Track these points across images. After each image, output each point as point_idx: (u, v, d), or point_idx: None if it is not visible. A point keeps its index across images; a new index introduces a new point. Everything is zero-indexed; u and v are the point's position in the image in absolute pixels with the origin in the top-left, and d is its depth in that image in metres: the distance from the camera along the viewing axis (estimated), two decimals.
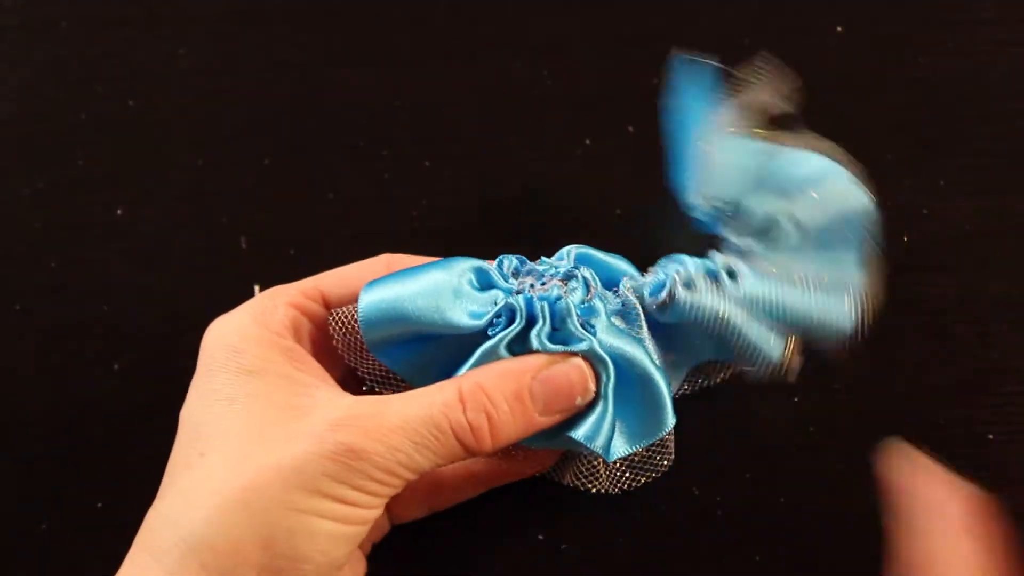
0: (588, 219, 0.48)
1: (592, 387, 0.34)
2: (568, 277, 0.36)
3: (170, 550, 0.31)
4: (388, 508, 0.39)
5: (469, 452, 0.33)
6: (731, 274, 0.36)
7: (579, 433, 0.35)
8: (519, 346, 0.34)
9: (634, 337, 0.36)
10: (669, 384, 0.36)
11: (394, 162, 0.49)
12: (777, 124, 0.39)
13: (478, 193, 0.49)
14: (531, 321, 0.34)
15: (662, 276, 0.36)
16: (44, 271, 0.48)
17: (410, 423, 0.32)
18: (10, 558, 0.45)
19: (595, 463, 0.39)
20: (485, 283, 0.35)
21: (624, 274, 0.37)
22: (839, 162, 0.38)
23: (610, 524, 0.44)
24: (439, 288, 0.34)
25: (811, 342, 0.37)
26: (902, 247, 0.48)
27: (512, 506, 0.44)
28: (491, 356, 0.34)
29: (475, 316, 0.34)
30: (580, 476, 0.39)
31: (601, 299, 0.36)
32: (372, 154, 0.49)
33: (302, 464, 0.31)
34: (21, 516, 0.45)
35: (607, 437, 0.35)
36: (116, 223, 0.48)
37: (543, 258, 0.37)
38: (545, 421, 0.34)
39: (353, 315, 0.36)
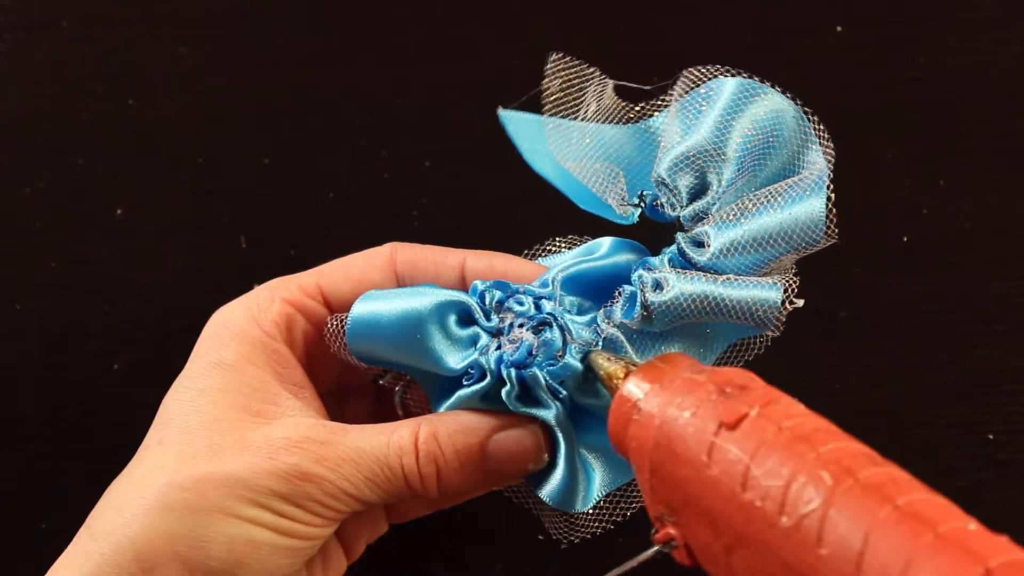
0: (589, 219, 0.48)
1: (545, 457, 0.35)
2: (542, 324, 0.35)
3: (108, 535, 0.31)
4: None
5: (416, 495, 0.34)
6: (698, 243, 0.35)
7: (542, 492, 0.35)
8: (490, 400, 0.34)
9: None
10: None
11: (394, 162, 0.49)
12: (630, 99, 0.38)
13: (478, 193, 0.49)
14: (501, 381, 0.34)
15: (628, 292, 0.35)
16: (44, 271, 0.48)
17: (363, 457, 0.33)
18: (10, 558, 0.44)
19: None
20: (467, 318, 0.35)
21: (624, 269, 0.36)
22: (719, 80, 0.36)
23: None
24: (422, 322, 0.34)
25: (802, 253, 0.35)
26: (902, 247, 0.48)
27: (512, 506, 0.44)
28: (465, 403, 0.34)
29: (455, 357, 0.34)
30: (555, 525, 0.38)
31: (574, 353, 0.34)
32: (372, 154, 0.49)
33: (250, 477, 0.31)
34: (21, 516, 0.45)
35: (568, 495, 0.35)
36: (116, 223, 0.48)
37: (527, 287, 0.36)
38: (495, 480, 0.35)
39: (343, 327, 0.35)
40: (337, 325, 0.35)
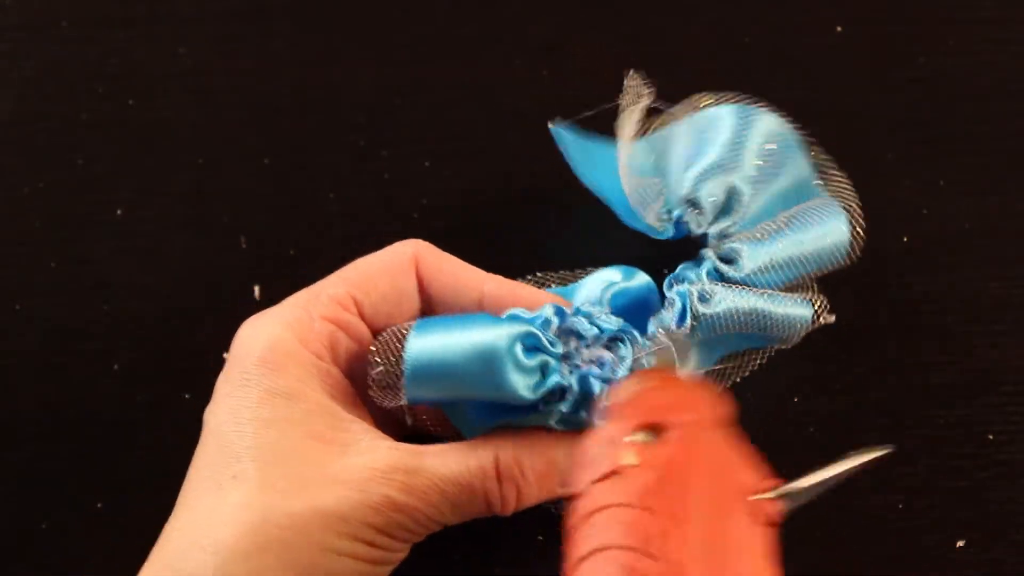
0: (589, 219, 0.48)
1: None
2: (614, 340, 0.35)
3: (194, 571, 0.30)
4: None
5: (491, 513, 0.34)
6: (729, 260, 0.36)
7: None
8: (567, 420, 0.34)
9: None
10: None
11: (394, 162, 0.49)
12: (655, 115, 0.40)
13: (478, 193, 0.49)
14: (585, 396, 0.34)
15: (679, 304, 0.36)
16: (44, 271, 0.48)
17: (448, 484, 0.33)
18: (10, 558, 0.44)
19: None
20: (532, 346, 0.34)
21: (647, 293, 0.37)
22: (746, 107, 0.38)
23: None
24: (498, 357, 0.33)
25: (830, 271, 0.37)
26: (902, 247, 0.48)
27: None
28: (540, 424, 0.34)
29: (527, 386, 0.33)
30: None
31: (645, 361, 0.35)
32: (372, 154, 0.49)
33: (347, 512, 0.31)
34: (21, 516, 0.45)
35: None
36: (116, 223, 0.48)
37: (578, 309, 0.36)
38: (565, 494, 0.35)
39: (393, 357, 0.34)
40: (386, 364, 0.34)
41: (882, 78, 0.50)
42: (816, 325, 0.36)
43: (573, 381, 0.34)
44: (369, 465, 0.32)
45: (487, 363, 0.32)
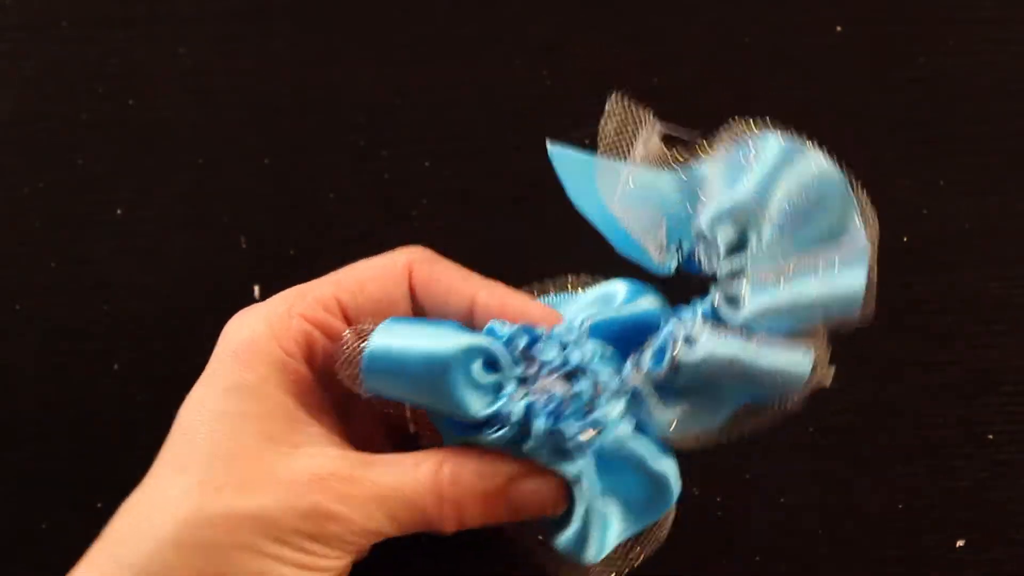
0: (586, 225, 0.48)
1: (563, 508, 0.34)
2: (572, 374, 0.33)
3: (132, 566, 0.31)
4: None
5: (434, 530, 0.34)
6: (733, 300, 0.33)
7: (554, 538, 0.34)
8: (515, 446, 0.33)
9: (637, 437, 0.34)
10: (675, 466, 0.34)
11: (394, 162, 0.49)
12: (674, 146, 0.37)
13: (478, 193, 0.49)
14: (526, 431, 0.33)
15: (660, 341, 0.34)
16: (44, 271, 0.48)
17: (388, 497, 0.32)
18: (10, 558, 0.45)
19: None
20: (492, 363, 0.33)
21: (647, 317, 0.35)
22: (783, 138, 0.35)
23: None
24: (448, 367, 0.32)
25: (835, 326, 0.34)
26: (902, 247, 0.48)
27: None
28: (489, 445, 0.33)
29: (480, 403, 0.33)
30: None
31: (604, 405, 0.33)
32: (372, 154, 0.49)
33: (276, 515, 0.31)
34: (21, 516, 0.45)
35: (581, 544, 0.34)
36: (116, 223, 0.48)
37: (553, 333, 0.34)
38: (512, 519, 0.34)
39: (359, 346, 0.34)
40: (351, 350, 0.33)
41: (882, 78, 0.50)
42: (813, 384, 0.33)
43: (516, 409, 0.33)
44: (309, 470, 0.32)
45: (436, 372, 0.32)
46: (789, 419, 0.45)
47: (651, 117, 0.37)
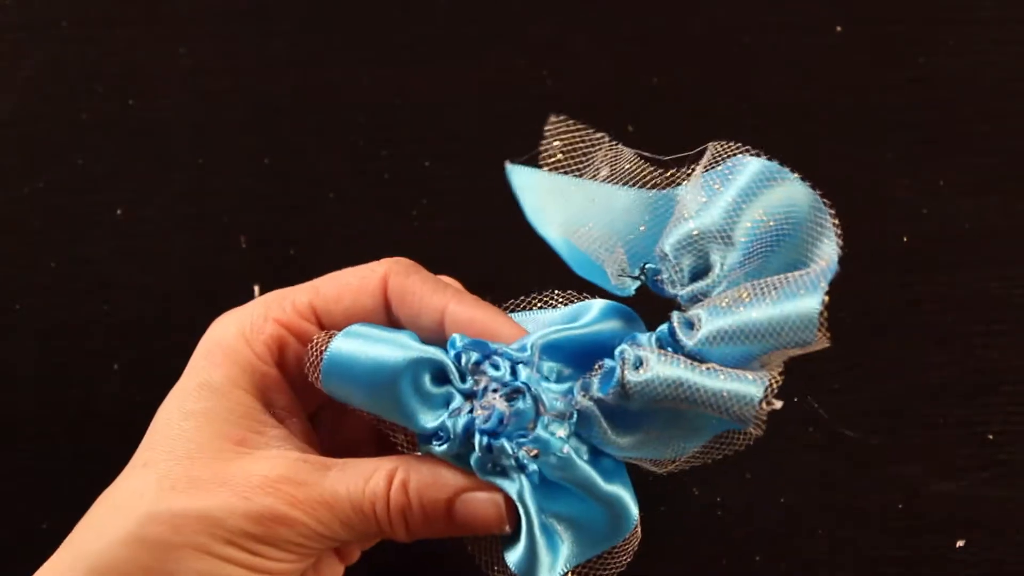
0: None
1: (508, 528, 0.34)
2: (516, 392, 0.33)
3: (86, 558, 0.32)
4: None
5: (386, 537, 0.34)
6: (690, 324, 0.33)
7: (508, 558, 0.34)
8: (461, 460, 0.33)
9: (584, 460, 0.34)
10: (631, 492, 0.34)
11: (394, 162, 0.49)
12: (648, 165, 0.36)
13: (478, 193, 0.49)
14: (470, 446, 0.33)
15: (609, 366, 0.33)
16: (44, 271, 0.48)
17: (339, 502, 0.32)
18: (10, 558, 0.45)
19: None
20: (443, 376, 0.33)
21: (609, 339, 0.34)
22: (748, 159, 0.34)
23: None
24: (395, 377, 0.33)
25: (794, 352, 0.33)
26: (902, 247, 0.48)
27: None
28: (441, 457, 0.33)
29: (428, 416, 0.33)
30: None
31: (546, 426, 0.33)
32: (372, 154, 0.49)
33: (225, 516, 0.31)
34: (21, 516, 0.45)
35: (530, 566, 0.34)
36: (116, 223, 0.48)
37: (506, 350, 0.34)
38: (463, 534, 0.34)
39: (323, 350, 0.34)
40: (317, 353, 0.34)
41: (882, 78, 0.50)
42: (763, 409, 0.32)
43: (457, 424, 0.33)
44: (262, 472, 0.32)
45: (384, 381, 0.32)
46: (789, 419, 0.45)
47: (608, 140, 0.36)
